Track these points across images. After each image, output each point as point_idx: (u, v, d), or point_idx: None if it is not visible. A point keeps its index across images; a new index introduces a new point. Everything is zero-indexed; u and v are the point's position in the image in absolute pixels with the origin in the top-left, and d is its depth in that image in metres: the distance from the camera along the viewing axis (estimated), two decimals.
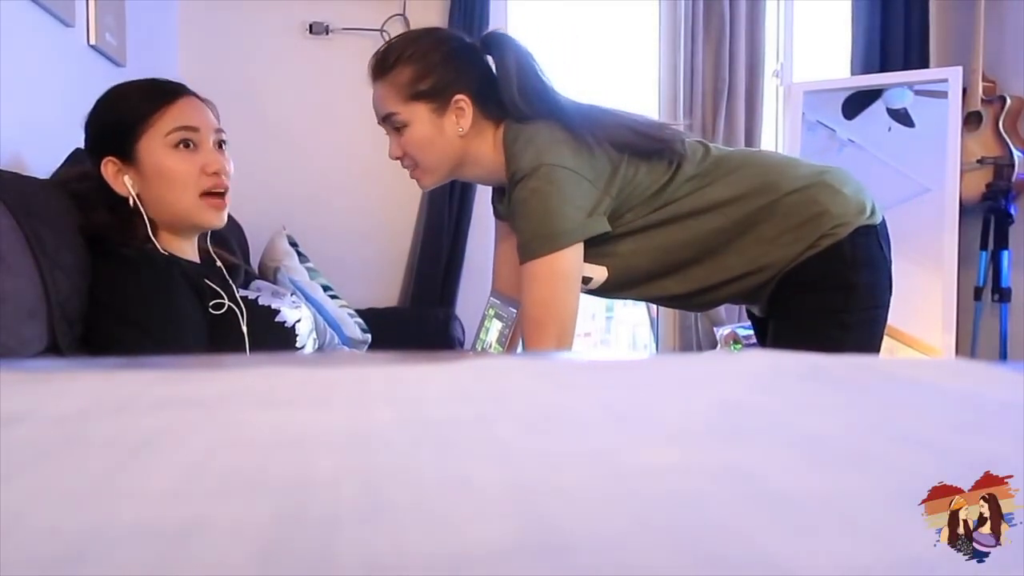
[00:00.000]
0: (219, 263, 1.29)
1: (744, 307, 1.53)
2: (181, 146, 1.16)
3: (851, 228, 1.22)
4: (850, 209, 1.23)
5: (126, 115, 1.16)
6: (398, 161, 1.31)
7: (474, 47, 1.30)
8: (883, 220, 1.28)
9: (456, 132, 1.26)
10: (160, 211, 1.17)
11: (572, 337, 1.24)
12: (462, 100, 1.25)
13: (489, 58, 1.30)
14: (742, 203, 1.24)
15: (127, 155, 1.15)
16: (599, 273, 1.28)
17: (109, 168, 1.15)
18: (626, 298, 1.41)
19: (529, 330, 1.24)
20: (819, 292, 1.23)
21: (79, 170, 1.24)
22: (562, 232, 1.19)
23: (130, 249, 1.14)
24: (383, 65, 1.26)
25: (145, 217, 1.16)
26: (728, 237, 1.25)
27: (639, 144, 1.24)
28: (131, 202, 1.15)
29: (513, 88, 1.24)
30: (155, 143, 1.15)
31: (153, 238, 1.17)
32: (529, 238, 1.21)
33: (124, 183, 1.15)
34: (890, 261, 1.28)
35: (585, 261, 1.25)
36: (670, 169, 1.26)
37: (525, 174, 1.20)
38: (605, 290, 1.33)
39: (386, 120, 1.28)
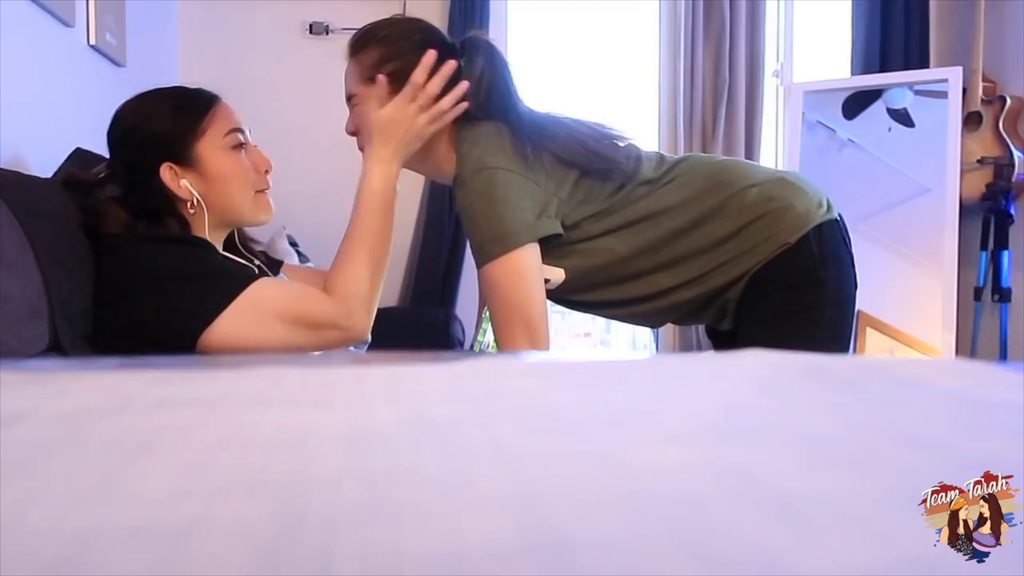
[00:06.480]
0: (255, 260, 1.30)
1: (705, 326, 1.46)
2: (238, 146, 1.19)
3: (815, 222, 1.21)
4: (812, 204, 1.23)
5: (179, 119, 1.17)
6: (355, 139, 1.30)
7: (452, 47, 1.28)
8: (840, 215, 1.27)
9: None
10: (218, 209, 1.18)
11: (544, 335, 1.21)
12: None
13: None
14: (696, 203, 1.23)
15: (184, 159, 1.16)
16: (556, 274, 1.26)
17: (167, 174, 1.15)
18: (590, 305, 1.35)
19: (498, 335, 1.23)
20: (789, 291, 1.22)
21: (85, 181, 1.22)
22: (513, 232, 1.17)
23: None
24: (357, 44, 1.27)
25: (206, 217, 1.17)
26: (686, 238, 1.23)
27: (586, 163, 1.23)
28: (191, 204, 1.16)
29: (470, 84, 1.23)
30: (215, 145, 1.17)
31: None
32: (480, 241, 1.19)
33: (184, 186, 1.16)
34: (853, 255, 1.27)
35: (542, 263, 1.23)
36: (624, 178, 1.24)
37: (467, 178, 1.20)
38: (565, 293, 1.30)
39: (348, 99, 1.29)
